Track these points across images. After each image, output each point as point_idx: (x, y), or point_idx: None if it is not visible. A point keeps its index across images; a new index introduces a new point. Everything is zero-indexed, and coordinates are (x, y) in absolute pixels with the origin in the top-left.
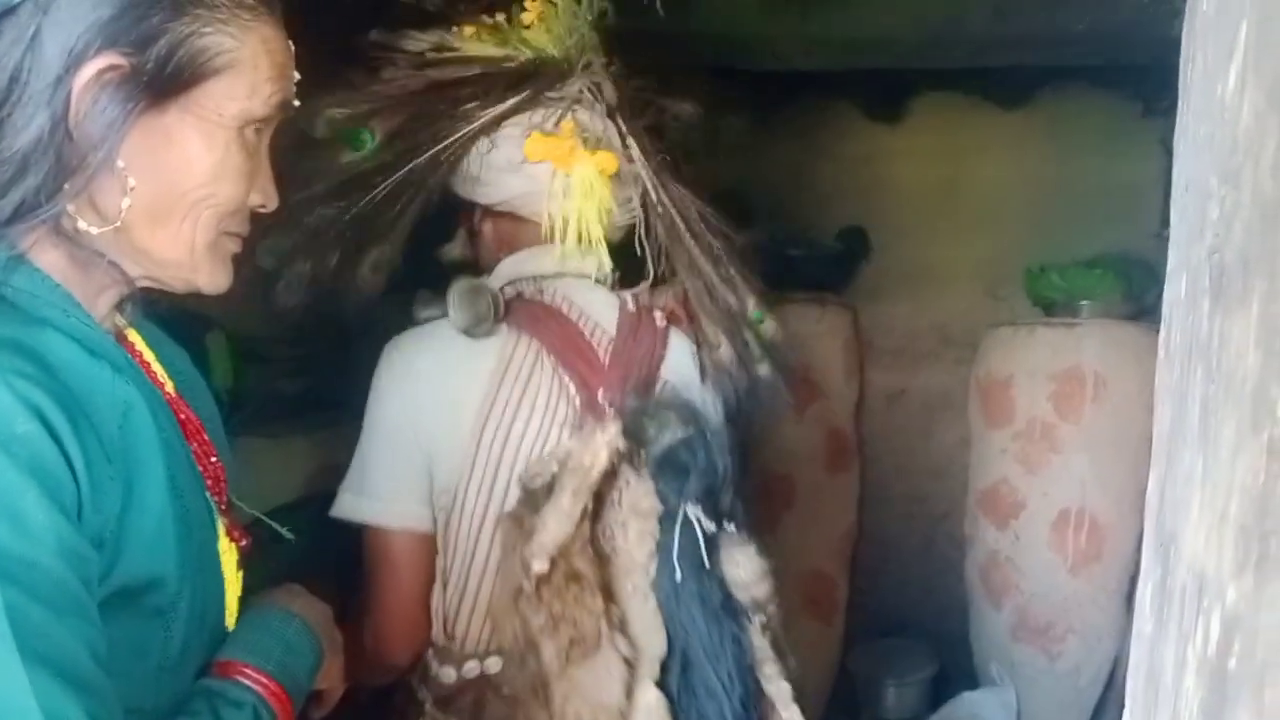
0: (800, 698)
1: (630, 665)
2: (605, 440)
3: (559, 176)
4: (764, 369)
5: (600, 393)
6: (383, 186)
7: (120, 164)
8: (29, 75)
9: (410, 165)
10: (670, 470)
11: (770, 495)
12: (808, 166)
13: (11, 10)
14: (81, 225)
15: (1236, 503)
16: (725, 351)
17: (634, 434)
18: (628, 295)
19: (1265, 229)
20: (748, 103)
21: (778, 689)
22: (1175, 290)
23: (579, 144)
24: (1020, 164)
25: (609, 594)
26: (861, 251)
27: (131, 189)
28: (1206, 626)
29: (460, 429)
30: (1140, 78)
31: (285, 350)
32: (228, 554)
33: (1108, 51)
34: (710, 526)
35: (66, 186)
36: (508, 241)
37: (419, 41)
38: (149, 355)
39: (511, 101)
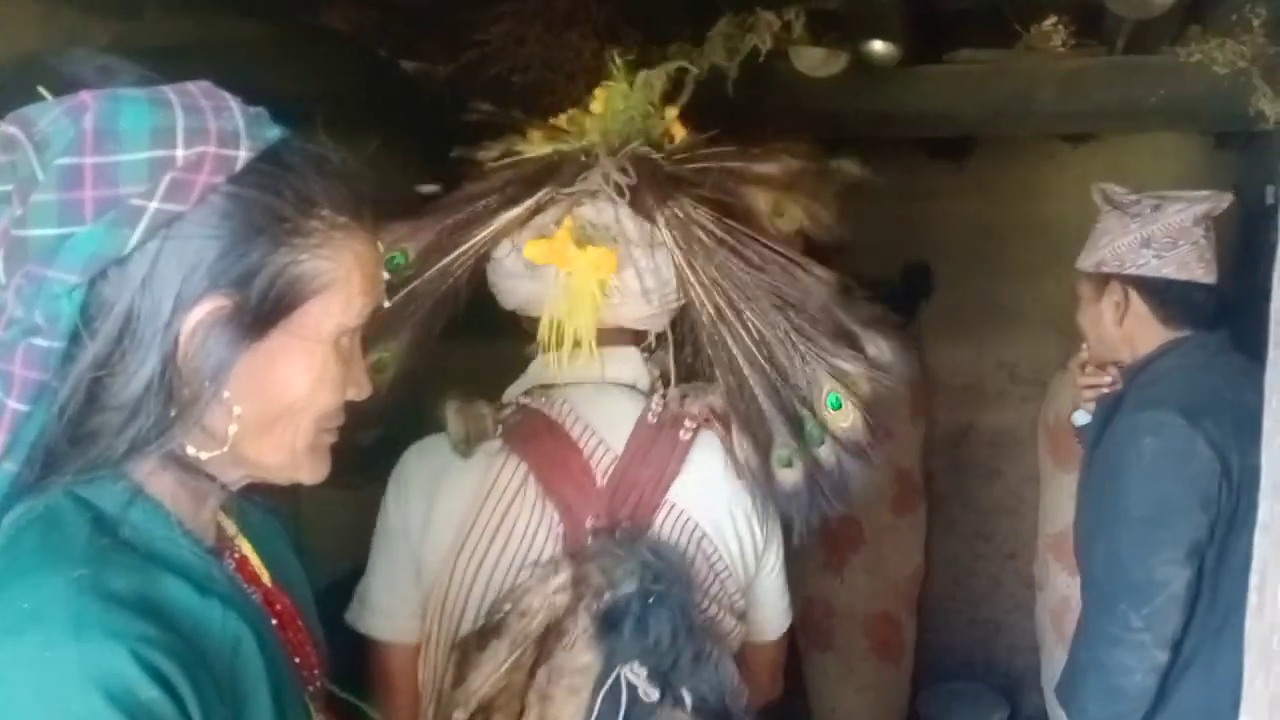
0: None
1: None
2: (553, 587)
3: (561, 276)
4: (829, 460)
5: (588, 521)
6: (398, 296)
7: (226, 394)
8: (139, 321)
9: (421, 278)
10: (610, 626)
11: (838, 538)
12: (868, 204)
13: (123, 259)
14: (190, 451)
15: None
16: (754, 461)
17: (591, 580)
18: (655, 402)
19: None
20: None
21: None
22: None
23: (571, 243)
24: (1088, 199)
25: None
26: (925, 289)
27: (238, 416)
28: None
29: (441, 547)
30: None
31: (359, 401)
32: None
33: (1184, 122)
34: (652, 694)
35: (177, 424)
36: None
37: (490, 150)
38: (246, 548)
39: (526, 204)
